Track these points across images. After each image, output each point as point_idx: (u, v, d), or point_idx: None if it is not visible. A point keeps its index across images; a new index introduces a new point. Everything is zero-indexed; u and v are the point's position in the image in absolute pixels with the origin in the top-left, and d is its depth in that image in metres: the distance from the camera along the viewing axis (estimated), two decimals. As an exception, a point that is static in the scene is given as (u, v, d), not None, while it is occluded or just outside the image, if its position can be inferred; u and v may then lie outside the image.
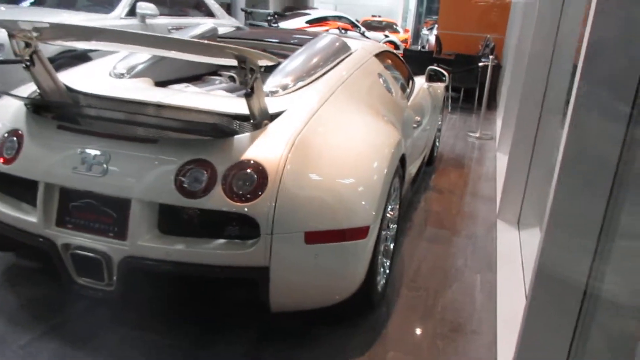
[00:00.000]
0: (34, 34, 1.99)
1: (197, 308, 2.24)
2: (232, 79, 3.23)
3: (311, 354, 2.10)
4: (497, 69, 8.24)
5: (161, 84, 2.71)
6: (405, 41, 16.82)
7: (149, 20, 6.04)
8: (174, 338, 2.12)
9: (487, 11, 10.04)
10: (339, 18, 13.49)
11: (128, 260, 1.91)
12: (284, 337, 2.19)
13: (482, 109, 6.49)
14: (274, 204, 1.83)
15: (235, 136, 1.91)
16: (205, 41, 1.85)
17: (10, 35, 2.00)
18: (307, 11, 13.36)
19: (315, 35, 3.48)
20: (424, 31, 19.76)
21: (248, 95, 1.88)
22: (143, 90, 2.32)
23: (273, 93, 2.34)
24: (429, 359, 2.15)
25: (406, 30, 19.87)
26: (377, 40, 12.25)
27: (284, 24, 11.72)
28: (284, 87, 2.38)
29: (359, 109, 2.48)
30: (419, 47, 17.29)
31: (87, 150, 1.92)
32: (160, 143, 1.91)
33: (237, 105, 2.12)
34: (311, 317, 2.30)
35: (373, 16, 20.80)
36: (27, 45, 2.03)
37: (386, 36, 14.21)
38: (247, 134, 1.94)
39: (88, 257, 1.95)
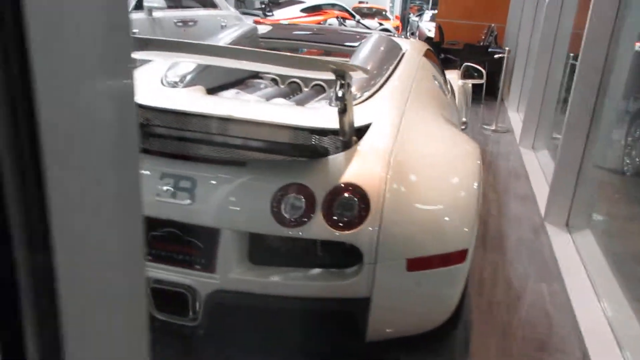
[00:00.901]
0: None
1: (282, 340, 2.10)
2: (274, 81, 3.06)
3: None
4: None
5: (210, 91, 2.54)
6: (397, 28, 16.66)
7: (155, 14, 5.80)
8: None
9: (487, -1, 9.94)
10: (333, 6, 13.27)
11: (217, 294, 1.76)
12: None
13: (497, 101, 6.41)
14: (377, 231, 1.70)
15: (330, 156, 1.77)
16: (304, 55, 1.70)
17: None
18: (303, -1, 13.11)
19: (359, 34, 3.33)
20: (413, 17, 19.63)
21: (342, 112, 1.73)
22: (211, 103, 2.15)
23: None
24: (523, 383, 2.05)
25: (397, 17, 19.70)
26: (370, 28, 12.08)
27: (278, 13, 11.48)
28: (352, 98, 2.24)
29: (433, 118, 2.35)
30: (408, 35, 17.14)
31: (170, 175, 1.75)
32: (248, 166, 1.76)
33: (320, 119, 1.97)
34: (387, 344, 2.18)
35: (360, 2, 20.59)
36: None
37: (380, 24, 14.03)
38: (340, 153, 1.79)
39: (172, 291, 1.79)
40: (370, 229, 1.69)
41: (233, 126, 1.80)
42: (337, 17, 10.80)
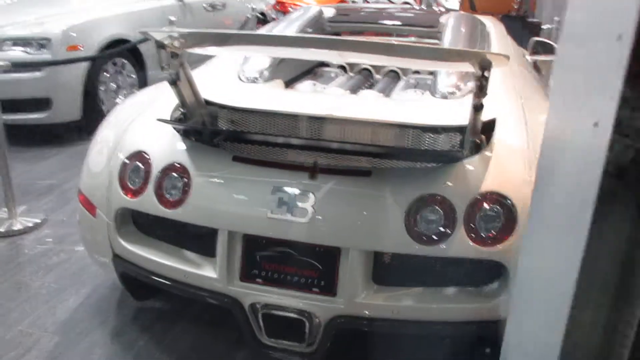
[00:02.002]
0: (181, 42, 1.59)
1: None
2: (343, 69, 2.82)
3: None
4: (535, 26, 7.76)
5: (287, 84, 2.32)
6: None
7: (185, -1, 5.54)
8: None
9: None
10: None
11: (340, 320, 1.56)
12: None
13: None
14: (526, 245, 1.48)
15: (469, 160, 1.54)
16: (444, 47, 1.46)
17: (159, 47, 1.59)
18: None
19: (431, 13, 3.06)
20: (431, -11, 19.07)
21: (479, 108, 1.49)
22: (316, 102, 1.92)
23: (451, 94, 1.96)
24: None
25: (415, -11, 19.09)
26: (390, 1, 11.66)
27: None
28: (457, 87, 1.99)
29: (547, 105, 2.10)
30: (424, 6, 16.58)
31: (284, 189, 1.53)
32: (374, 176, 1.53)
33: (439, 115, 1.74)
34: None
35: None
36: (174, 56, 1.62)
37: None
38: (475, 157, 1.56)
39: (287, 317, 1.60)
40: (518, 244, 1.47)
41: (355, 129, 1.58)
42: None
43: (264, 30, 2.83)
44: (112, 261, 1.83)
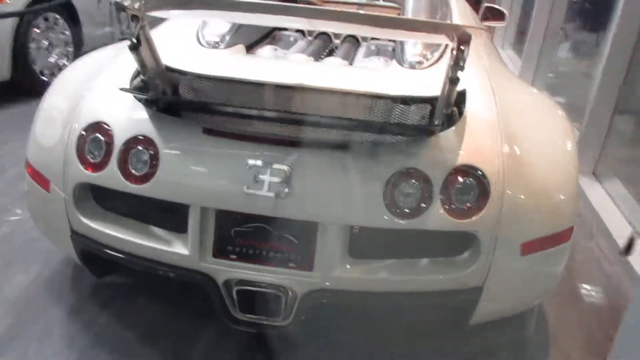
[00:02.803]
0: (143, 4, 1.47)
1: (378, 336, 1.92)
2: (302, 33, 2.74)
3: None
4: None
5: (247, 49, 2.22)
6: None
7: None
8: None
9: None
10: None
11: (316, 294, 1.56)
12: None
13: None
14: (498, 216, 1.52)
15: (443, 133, 1.54)
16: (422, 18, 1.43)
17: (118, 10, 1.47)
18: None
19: None
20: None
21: (453, 82, 1.48)
22: (277, 68, 1.85)
23: (418, 64, 1.95)
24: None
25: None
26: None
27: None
28: (424, 57, 1.99)
29: (511, 76, 2.14)
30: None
31: (260, 163, 1.48)
32: (351, 149, 1.51)
33: (411, 85, 1.72)
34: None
35: None
36: (134, 18, 1.50)
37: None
38: (449, 129, 1.57)
39: (262, 293, 1.58)
40: (492, 214, 1.51)
41: (330, 99, 1.54)
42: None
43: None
44: (71, 238, 1.73)
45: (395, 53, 2.10)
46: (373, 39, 2.61)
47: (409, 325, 1.77)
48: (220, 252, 1.57)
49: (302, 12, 1.45)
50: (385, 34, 1.65)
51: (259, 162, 1.48)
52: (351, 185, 1.49)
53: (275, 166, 1.48)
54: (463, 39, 1.37)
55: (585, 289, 2.36)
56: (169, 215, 1.63)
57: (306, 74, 1.76)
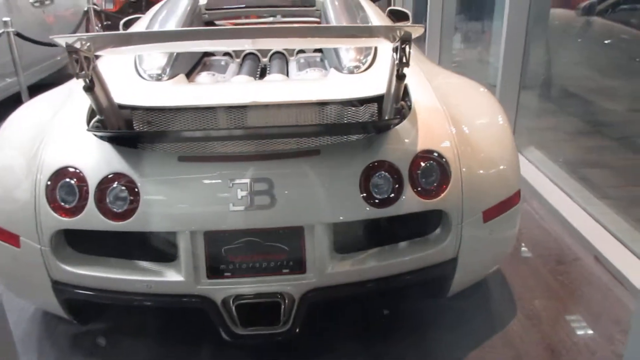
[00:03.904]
0: (92, 45, 1.50)
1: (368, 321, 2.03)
2: (229, 55, 2.82)
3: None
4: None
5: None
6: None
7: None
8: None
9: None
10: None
11: (313, 293, 1.65)
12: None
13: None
14: (460, 191, 1.70)
15: (399, 125, 1.69)
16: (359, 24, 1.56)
17: (70, 52, 1.48)
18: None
19: None
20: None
21: (401, 78, 1.64)
22: (229, 91, 1.91)
23: (356, 69, 2.10)
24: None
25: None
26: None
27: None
28: (360, 61, 2.14)
29: (432, 65, 2.34)
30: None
31: (240, 180, 1.55)
32: (323, 153, 1.62)
33: (364, 87, 1.86)
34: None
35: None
36: (86, 60, 1.52)
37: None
38: (404, 121, 1.72)
39: (261, 303, 1.64)
40: (455, 190, 1.68)
41: (301, 111, 1.64)
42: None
43: (142, 24, 2.70)
44: (52, 289, 1.70)
45: (331, 62, 2.24)
46: (299, 52, 2.74)
47: (397, 304, 1.90)
48: (214, 272, 1.62)
49: (246, 33, 1.54)
50: (328, 43, 1.78)
51: (239, 180, 1.55)
52: (328, 186, 1.60)
53: (256, 180, 1.56)
54: (405, 38, 1.53)
55: (530, 246, 2.62)
56: (154, 247, 1.65)
57: (258, 92, 1.85)
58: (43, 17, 5.59)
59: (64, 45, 1.46)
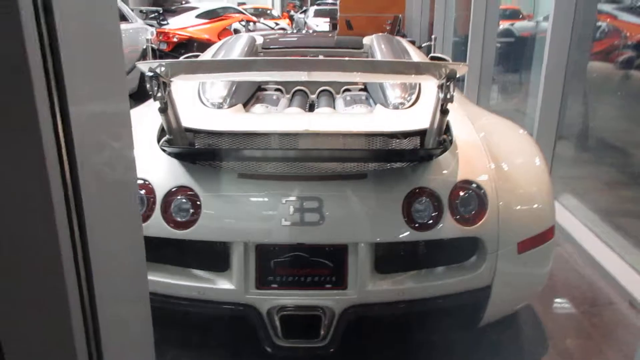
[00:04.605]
0: (170, 71, 1.70)
1: (406, 342, 2.11)
2: (280, 91, 3.02)
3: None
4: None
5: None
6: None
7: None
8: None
9: (384, -9, 10.37)
10: (225, 9, 13.06)
11: (353, 310, 1.75)
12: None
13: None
14: (497, 221, 1.79)
15: (441, 156, 1.82)
16: (413, 60, 1.72)
17: (151, 77, 1.68)
18: (194, 5, 12.74)
19: (360, 36, 3.36)
20: (298, 15, 19.87)
21: (445, 113, 1.78)
22: (285, 119, 2.09)
23: (401, 105, 2.25)
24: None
25: (284, 15, 19.81)
26: (271, 28, 12.06)
27: (173, 21, 11.08)
28: (404, 98, 2.30)
29: (471, 104, 2.48)
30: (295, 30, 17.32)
31: (294, 198, 1.70)
32: (369, 177, 1.76)
33: (409, 121, 2.00)
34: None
35: (240, 4, 20.42)
36: (163, 85, 1.72)
37: (277, 24, 14.05)
38: (446, 152, 1.85)
39: (303, 316, 1.75)
40: (492, 219, 1.78)
41: (349, 140, 1.79)
42: (240, 21, 10.64)
43: (207, 56, 2.94)
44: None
45: (377, 98, 2.40)
46: (345, 90, 2.93)
47: (431, 330, 1.97)
48: (262, 283, 1.75)
49: (303, 64, 1.71)
50: (378, 77, 1.93)
51: (293, 197, 1.70)
52: (373, 208, 1.73)
53: (307, 199, 1.70)
54: (451, 75, 1.68)
55: (564, 287, 2.66)
56: (208, 256, 1.79)
57: (310, 122, 2.01)
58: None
59: (147, 70, 1.66)
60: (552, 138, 3.68)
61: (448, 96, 1.68)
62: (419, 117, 1.97)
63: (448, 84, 1.66)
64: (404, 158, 1.77)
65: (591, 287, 2.67)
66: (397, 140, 1.91)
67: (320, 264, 1.75)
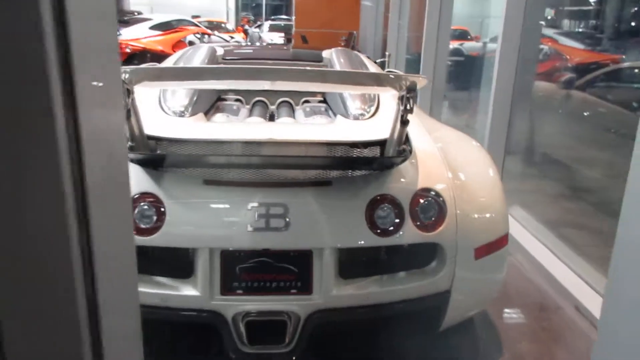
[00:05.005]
0: (132, 78, 1.70)
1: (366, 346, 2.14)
2: (239, 101, 3.04)
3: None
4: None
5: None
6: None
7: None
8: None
9: (338, 8, 10.58)
10: (180, 22, 12.95)
11: (318, 315, 1.78)
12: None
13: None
14: (455, 227, 1.87)
15: (401, 165, 1.88)
16: (378, 71, 1.79)
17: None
18: (148, 16, 12.57)
19: (319, 49, 3.42)
20: (252, 29, 19.91)
21: (405, 124, 1.85)
22: (248, 128, 2.10)
23: (361, 116, 2.32)
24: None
25: (239, 29, 19.81)
26: (226, 41, 12.02)
27: (126, 32, 10.90)
28: (365, 110, 2.37)
29: (425, 117, 2.58)
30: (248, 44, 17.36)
31: (259, 205, 1.71)
32: (334, 184, 1.80)
33: (370, 131, 2.06)
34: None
35: (194, 17, 20.30)
36: (127, 92, 1.72)
37: (232, 37, 14.05)
38: (406, 161, 1.92)
39: (270, 321, 1.76)
40: (450, 226, 1.86)
41: (313, 149, 1.83)
42: (195, 34, 10.59)
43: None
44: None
45: (337, 109, 2.46)
46: (305, 102, 2.98)
47: (394, 334, 2.02)
48: (227, 289, 1.75)
49: (267, 73, 1.74)
50: (340, 88, 1.98)
51: (258, 204, 1.71)
52: (337, 214, 1.77)
53: (272, 205, 1.72)
54: (411, 87, 1.75)
55: (515, 294, 2.77)
56: (171, 263, 1.78)
57: (272, 131, 2.04)
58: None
59: None
60: (502, 153, 3.86)
61: (408, 107, 1.75)
62: (380, 128, 2.03)
63: (408, 95, 1.73)
64: (367, 166, 1.82)
65: (540, 293, 2.80)
66: (359, 150, 1.96)
67: (285, 269, 1.77)
